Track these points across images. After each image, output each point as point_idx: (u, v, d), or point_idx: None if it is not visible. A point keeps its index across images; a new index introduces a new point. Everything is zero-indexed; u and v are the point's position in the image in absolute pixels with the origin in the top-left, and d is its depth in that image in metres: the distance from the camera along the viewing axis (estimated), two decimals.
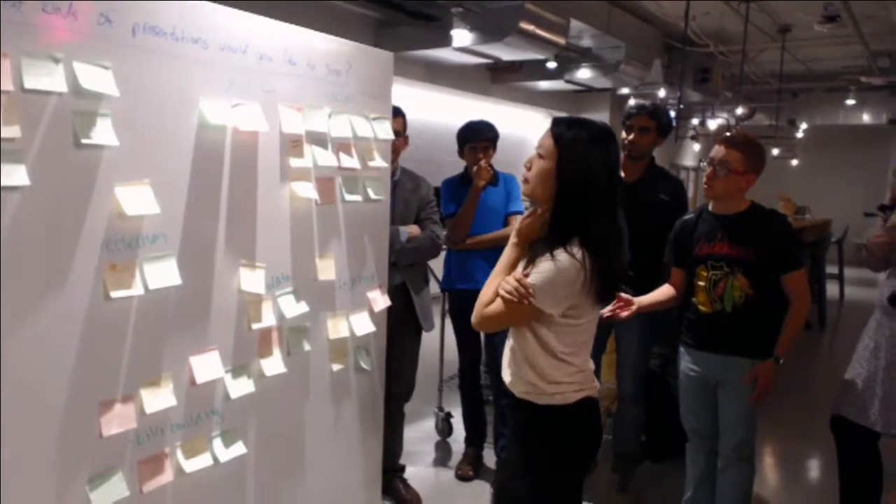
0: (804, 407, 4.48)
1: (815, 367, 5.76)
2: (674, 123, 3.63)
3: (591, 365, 1.80)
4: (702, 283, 2.34)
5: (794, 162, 12.78)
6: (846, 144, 13.37)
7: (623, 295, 2.31)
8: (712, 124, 10.96)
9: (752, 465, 2.40)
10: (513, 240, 1.76)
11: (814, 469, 3.75)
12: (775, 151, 10.84)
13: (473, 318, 1.75)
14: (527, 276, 1.64)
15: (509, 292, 1.63)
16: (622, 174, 2.90)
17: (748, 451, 2.37)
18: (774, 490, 3.42)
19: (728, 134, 2.39)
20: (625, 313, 2.31)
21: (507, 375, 1.79)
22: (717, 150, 2.29)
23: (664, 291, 2.48)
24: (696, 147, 13.00)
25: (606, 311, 2.27)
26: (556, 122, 1.70)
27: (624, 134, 2.88)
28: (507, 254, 1.75)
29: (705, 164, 2.34)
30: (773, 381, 2.26)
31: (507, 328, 1.77)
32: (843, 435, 2.51)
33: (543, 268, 1.61)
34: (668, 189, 2.91)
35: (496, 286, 1.69)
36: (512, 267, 1.73)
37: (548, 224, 1.68)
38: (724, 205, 2.33)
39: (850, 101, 11.16)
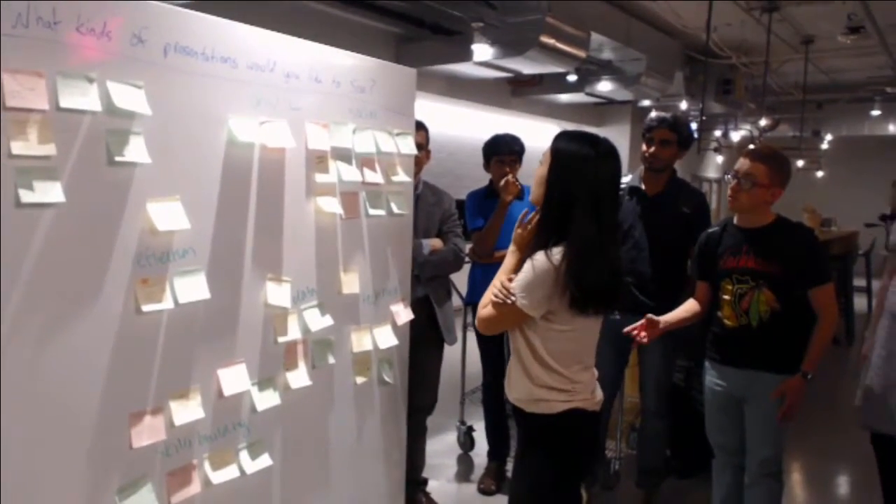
0: (832, 422, 4.40)
1: (843, 382, 5.64)
2: (695, 135, 3.59)
3: (589, 376, 1.86)
4: (727, 297, 2.32)
5: (820, 173, 12.61)
6: (872, 155, 13.15)
7: (650, 316, 2.31)
8: (735, 136, 10.87)
9: (780, 482, 2.36)
10: (511, 247, 1.87)
11: (843, 486, 3.68)
12: (800, 163, 10.72)
13: (477, 322, 1.87)
14: (511, 280, 1.76)
15: (495, 294, 1.76)
16: (643, 187, 2.90)
17: (775, 468, 2.33)
18: None
19: (753, 146, 2.38)
20: (646, 338, 2.30)
21: (506, 381, 1.89)
22: (742, 163, 2.28)
23: (689, 307, 2.46)
24: (720, 159, 12.89)
25: (629, 329, 2.32)
26: (559, 135, 1.82)
27: (644, 146, 2.88)
28: (507, 261, 1.86)
29: (729, 176, 2.33)
30: (801, 397, 2.23)
31: (502, 330, 1.86)
32: (883, 449, 2.47)
33: (524, 269, 1.73)
34: (691, 201, 2.89)
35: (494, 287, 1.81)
36: (510, 273, 1.82)
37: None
38: (750, 218, 2.32)
39: (876, 112, 11.01)
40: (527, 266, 1.72)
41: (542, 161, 1.80)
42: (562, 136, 1.80)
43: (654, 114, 2.92)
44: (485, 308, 1.82)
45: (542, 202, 1.78)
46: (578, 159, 1.73)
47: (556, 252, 1.69)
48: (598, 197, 1.71)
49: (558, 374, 1.77)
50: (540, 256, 1.70)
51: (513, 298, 1.72)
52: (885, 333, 2.41)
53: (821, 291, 2.26)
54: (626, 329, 2.33)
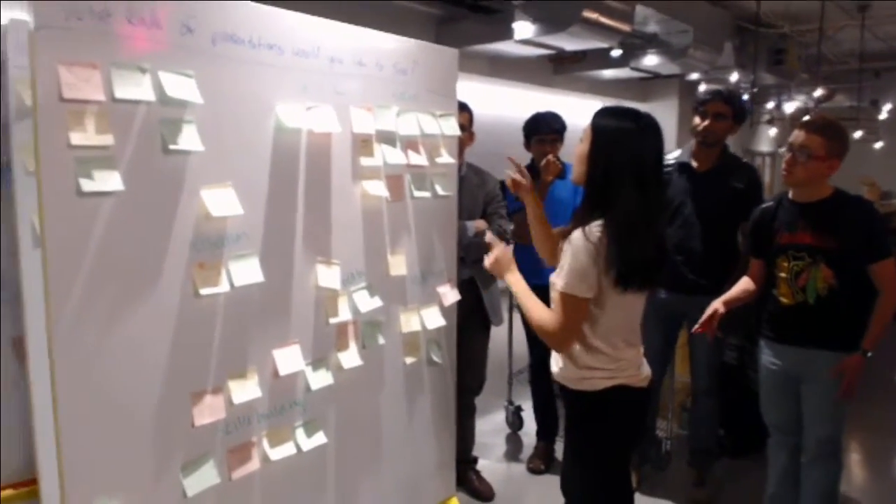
0: (893, 400, 4.26)
1: None
2: (749, 109, 3.49)
3: (634, 352, 1.83)
4: (783, 275, 2.26)
5: (878, 144, 12.08)
6: None
7: (712, 307, 2.36)
8: (789, 107, 10.47)
9: (839, 462, 2.30)
10: (509, 278, 1.94)
11: None
12: (858, 134, 10.28)
13: (552, 346, 1.83)
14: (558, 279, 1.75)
15: (555, 300, 1.75)
16: (693, 163, 2.83)
17: (834, 447, 2.28)
18: (862, 488, 3.27)
19: (808, 118, 2.30)
20: (705, 326, 2.37)
21: (552, 360, 1.90)
22: (797, 135, 2.20)
23: (744, 286, 2.41)
24: (773, 132, 12.46)
25: (696, 329, 2.39)
26: (599, 111, 1.80)
27: (697, 120, 2.80)
28: (516, 284, 1.91)
29: (784, 149, 2.26)
30: (860, 375, 2.16)
31: (578, 327, 1.76)
32: None
33: (564, 256, 1.71)
34: (743, 177, 2.81)
35: (538, 304, 1.82)
36: (529, 294, 1.85)
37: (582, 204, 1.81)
38: (806, 192, 2.24)
39: None
40: (566, 252, 1.70)
41: (583, 138, 1.78)
42: (602, 112, 1.78)
43: (706, 86, 2.84)
44: (547, 321, 1.76)
45: (584, 180, 1.76)
46: (619, 134, 1.71)
47: (596, 228, 1.67)
48: (640, 171, 1.69)
49: (601, 353, 1.76)
50: (577, 236, 1.68)
51: (573, 293, 1.69)
52: None
53: (881, 266, 2.18)
54: (695, 329, 2.39)
